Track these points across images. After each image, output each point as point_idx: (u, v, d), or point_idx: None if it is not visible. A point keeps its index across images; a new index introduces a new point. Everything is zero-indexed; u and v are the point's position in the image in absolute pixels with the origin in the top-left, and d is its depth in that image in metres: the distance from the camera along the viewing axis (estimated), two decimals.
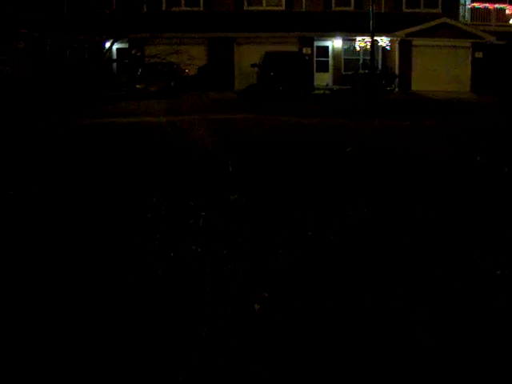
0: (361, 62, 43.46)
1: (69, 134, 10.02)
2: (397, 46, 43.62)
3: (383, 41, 42.99)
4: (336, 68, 43.95)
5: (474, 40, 43.82)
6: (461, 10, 46.13)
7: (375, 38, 38.16)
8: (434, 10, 44.79)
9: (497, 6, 45.89)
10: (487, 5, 45.79)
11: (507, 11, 46.03)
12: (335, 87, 41.99)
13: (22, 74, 10.07)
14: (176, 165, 16.77)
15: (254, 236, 8.51)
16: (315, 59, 43.58)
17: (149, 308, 6.43)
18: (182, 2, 41.71)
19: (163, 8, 35.87)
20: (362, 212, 10.21)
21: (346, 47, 43.86)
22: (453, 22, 43.69)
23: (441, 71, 42.88)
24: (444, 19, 43.40)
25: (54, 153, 10.77)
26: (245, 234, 8.44)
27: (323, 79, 42.80)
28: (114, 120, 25.39)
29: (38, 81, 9.70)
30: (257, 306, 6.36)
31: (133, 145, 19.57)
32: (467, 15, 46.57)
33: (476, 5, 46.16)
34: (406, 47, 43.48)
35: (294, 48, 42.18)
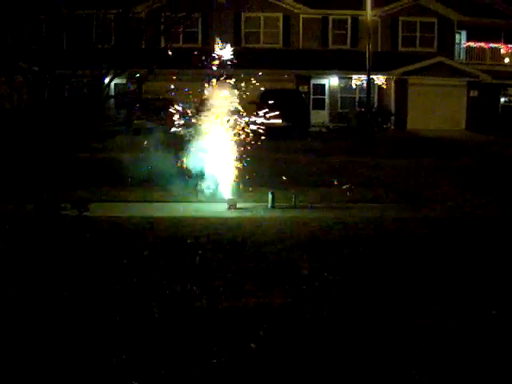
0: (357, 99, 43.69)
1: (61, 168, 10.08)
2: (393, 84, 43.93)
3: (379, 79, 43.30)
4: (332, 105, 44.20)
5: (469, 79, 44.15)
6: (456, 49, 46.53)
7: (371, 76, 38.50)
8: (430, 49, 45.16)
9: (492, 45, 46.31)
10: (482, 44, 46.21)
11: (502, 50, 46.47)
12: (331, 125, 42.17)
13: (21, 108, 10.13)
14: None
15: None
16: (312, 97, 43.83)
17: None
18: (181, 38, 42.04)
19: (162, 45, 36.04)
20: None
21: (342, 85, 44.14)
22: (448, 61, 44.04)
23: (436, 109, 43.15)
24: (439, 58, 43.76)
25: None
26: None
27: (320, 116, 43.03)
28: (107, 155, 25.54)
29: (37, 115, 9.80)
30: (253, 346, 6.36)
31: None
32: (462, 54, 46.98)
33: (471, 44, 46.59)
34: (401, 85, 43.78)
35: (291, 85, 42.44)
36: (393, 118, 42.99)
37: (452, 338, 7.48)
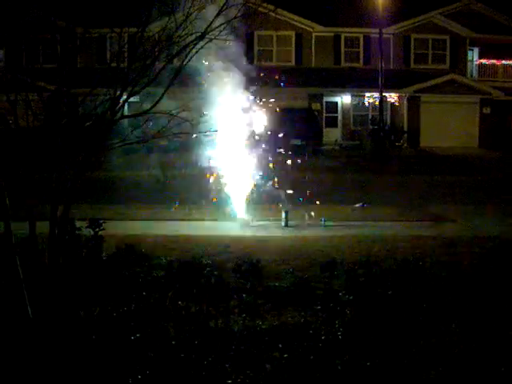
0: (370, 117, 43.61)
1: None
2: (405, 101, 43.88)
3: (392, 97, 43.26)
4: (345, 123, 44.15)
5: (481, 96, 44.07)
6: (468, 66, 46.49)
7: (384, 93, 38.50)
8: (442, 67, 45.14)
9: (504, 61, 46.28)
10: (494, 61, 46.18)
11: None
12: (344, 143, 42.16)
13: (37, 127, 10.19)
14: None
15: None
16: (324, 115, 43.78)
17: None
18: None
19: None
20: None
21: (355, 103, 44.11)
22: (460, 79, 44.01)
23: (449, 127, 43.01)
24: (452, 75, 43.72)
25: None
26: None
27: (332, 134, 42.95)
28: (120, 173, 25.68)
29: (52, 134, 9.87)
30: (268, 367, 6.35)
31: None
32: (475, 71, 46.95)
33: (483, 61, 46.58)
34: (414, 103, 43.74)
35: (303, 103, 42.44)
36: (405, 135, 42.92)
37: None
